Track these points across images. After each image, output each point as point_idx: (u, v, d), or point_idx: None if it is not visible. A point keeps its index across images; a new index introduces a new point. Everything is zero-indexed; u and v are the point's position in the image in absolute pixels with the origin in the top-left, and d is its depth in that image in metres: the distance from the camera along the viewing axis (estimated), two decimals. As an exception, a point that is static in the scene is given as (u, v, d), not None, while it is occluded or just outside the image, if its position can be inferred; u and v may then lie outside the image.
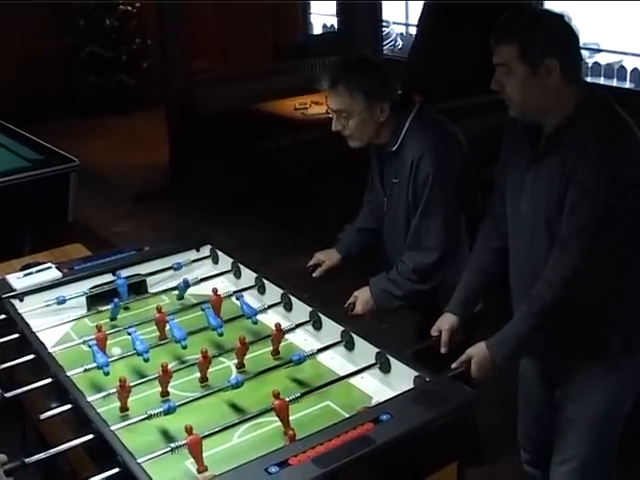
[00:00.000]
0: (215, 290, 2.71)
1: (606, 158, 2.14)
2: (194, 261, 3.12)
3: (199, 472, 1.93)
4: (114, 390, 2.19)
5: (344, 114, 2.76)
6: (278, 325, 2.48)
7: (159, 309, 2.60)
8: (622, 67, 6.97)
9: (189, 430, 1.94)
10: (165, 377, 2.25)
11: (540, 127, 2.29)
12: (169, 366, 2.26)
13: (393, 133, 2.80)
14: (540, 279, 2.25)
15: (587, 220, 2.16)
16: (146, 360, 2.39)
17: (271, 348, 2.49)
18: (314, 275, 3.12)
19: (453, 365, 2.34)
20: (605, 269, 2.25)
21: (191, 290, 2.90)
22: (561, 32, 2.23)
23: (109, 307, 2.76)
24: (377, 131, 2.80)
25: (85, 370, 2.33)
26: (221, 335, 2.53)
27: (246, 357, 2.42)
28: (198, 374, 2.35)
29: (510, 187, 2.43)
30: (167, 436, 2.11)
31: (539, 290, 2.25)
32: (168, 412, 2.10)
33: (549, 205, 2.25)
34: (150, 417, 2.08)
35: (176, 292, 2.90)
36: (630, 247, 2.27)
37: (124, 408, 2.21)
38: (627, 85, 6.95)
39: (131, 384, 2.21)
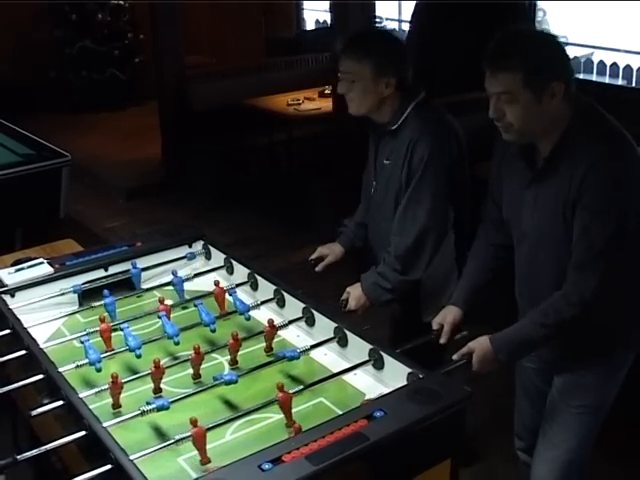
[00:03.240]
0: (217, 282, 2.71)
1: (609, 177, 2.14)
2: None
3: (202, 464, 1.93)
4: (106, 386, 2.18)
5: (350, 77, 2.77)
6: (271, 321, 2.47)
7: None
8: (590, 61, 7.07)
9: (194, 422, 1.93)
10: (157, 373, 2.24)
11: (534, 144, 2.28)
12: (161, 362, 2.25)
13: (395, 113, 2.81)
14: (558, 293, 2.25)
15: (601, 243, 2.16)
16: (138, 357, 2.38)
17: (264, 344, 2.49)
18: (317, 269, 3.09)
19: (454, 357, 2.34)
20: (616, 277, 2.24)
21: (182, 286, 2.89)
22: (560, 51, 2.19)
23: (101, 302, 2.73)
24: (379, 105, 2.80)
25: (77, 366, 2.32)
26: (214, 331, 2.52)
27: (239, 353, 2.41)
28: (191, 370, 2.34)
29: (508, 203, 2.43)
30: (160, 433, 2.10)
31: (556, 304, 2.24)
32: (161, 408, 2.08)
33: (554, 225, 2.25)
34: (143, 413, 2.07)
35: (169, 288, 2.89)
36: (633, 250, 2.27)
37: (116, 405, 2.20)
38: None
39: (123, 380, 2.20)
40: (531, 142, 2.28)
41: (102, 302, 2.70)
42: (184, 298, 2.80)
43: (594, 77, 7.09)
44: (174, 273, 2.86)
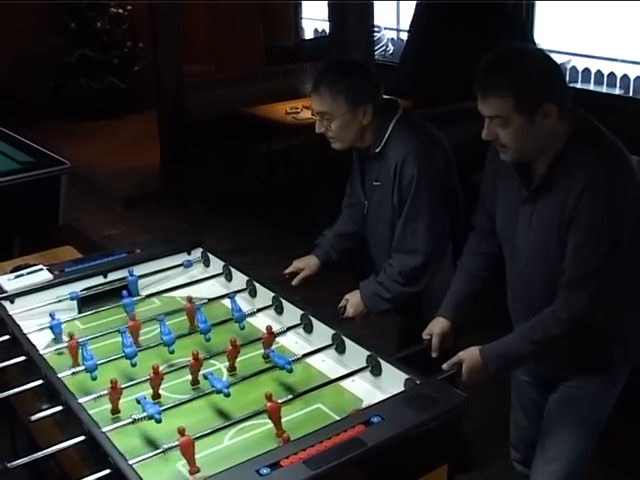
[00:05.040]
0: (190, 298, 2.70)
1: (605, 197, 2.13)
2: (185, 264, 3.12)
3: (191, 473, 1.93)
4: (105, 392, 2.19)
5: (327, 116, 2.77)
6: (269, 328, 2.48)
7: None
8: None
9: (182, 431, 1.93)
10: (156, 379, 2.24)
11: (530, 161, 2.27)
12: (160, 368, 2.25)
13: (376, 135, 2.81)
14: (548, 309, 2.25)
15: (594, 262, 2.16)
16: (133, 365, 2.38)
17: (262, 351, 2.49)
18: (292, 283, 3.08)
19: (444, 366, 2.34)
20: (609, 292, 2.24)
21: (181, 292, 2.91)
22: (551, 71, 2.17)
23: (102, 308, 2.76)
24: (360, 133, 2.80)
25: (73, 373, 2.33)
26: (208, 340, 2.53)
27: (237, 360, 2.41)
28: (189, 377, 2.35)
29: (502, 219, 2.43)
30: (158, 438, 2.10)
31: (545, 321, 2.25)
32: (151, 418, 2.07)
33: (549, 242, 2.25)
34: (134, 422, 2.07)
35: (167, 295, 2.91)
36: (630, 264, 2.27)
37: (115, 410, 2.21)
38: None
39: (123, 386, 2.21)
40: (530, 160, 2.26)
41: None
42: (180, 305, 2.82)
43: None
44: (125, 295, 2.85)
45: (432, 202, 2.77)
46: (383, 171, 2.82)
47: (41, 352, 2.44)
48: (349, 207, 3.14)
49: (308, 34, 10.62)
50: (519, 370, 2.61)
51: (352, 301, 2.92)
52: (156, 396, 2.27)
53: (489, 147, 2.37)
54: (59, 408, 2.15)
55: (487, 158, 2.46)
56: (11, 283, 2.85)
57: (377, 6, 7.56)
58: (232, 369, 2.41)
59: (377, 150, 2.82)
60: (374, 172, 2.87)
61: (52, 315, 2.63)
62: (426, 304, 2.85)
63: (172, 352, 2.46)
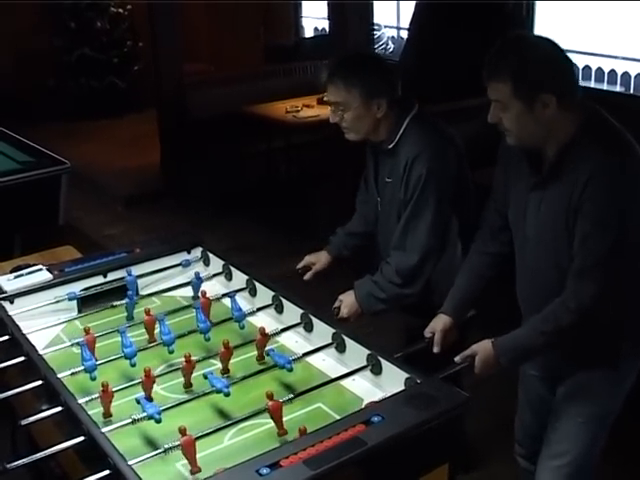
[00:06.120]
0: (204, 293, 2.71)
1: (611, 186, 2.14)
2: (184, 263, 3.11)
3: (192, 473, 1.93)
4: (96, 395, 2.18)
5: (341, 107, 2.77)
6: (262, 329, 2.46)
7: (147, 311, 2.59)
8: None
9: (183, 431, 1.93)
10: (148, 382, 2.22)
11: (539, 149, 2.28)
12: (158, 369, 2.25)
13: (391, 131, 2.80)
14: (558, 299, 2.25)
15: (600, 252, 2.17)
16: (132, 365, 2.38)
17: (261, 351, 2.48)
18: (305, 278, 3.10)
19: (457, 359, 2.35)
20: (617, 285, 2.25)
21: (181, 292, 2.91)
22: (555, 63, 2.18)
23: (102, 308, 2.76)
24: (374, 127, 2.79)
25: (72, 374, 2.32)
26: (208, 340, 2.52)
27: (236, 360, 2.41)
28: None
29: (512, 208, 2.44)
30: (158, 438, 2.10)
31: (556, 312, 2.25)
32: (151, 417, 2.07)
33: (556, 231, 2.26)
34: (134, 422, 2.07)
35: (166, 294, 2.91)
36: (636, 259, 2.27)
37: (107, 414, 2.19)
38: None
39: (118, 387, 2.21)
40: (537, 147, 2.28)
41: (123, 302, 2.75)
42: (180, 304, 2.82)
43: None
44: (196, 274, 2.89)
45: (437, 203, 2.76)
46: (395, 167, 2.81)
47: (41, 352, 2.44)
48: (362, 204, 3.13)
49: (308, 32, 10.61)
50: (528, 365, 2.61)
51: (346, 301, 2.89)
52: (150, 399, 2.24)
53: (501, 141, 2.38)
54: (59, 409, 2.14)
55: (498, 152, 2.48)
56: (11, 283, 2.84)
57: (377, 4, 7.58)
58: (225, 371, 2.39)
59: (390, 146, 2.81)
60: (387, 168, 2.87)
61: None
62: (436, 303, 2.83)
63: (172, 352, 2.45)
